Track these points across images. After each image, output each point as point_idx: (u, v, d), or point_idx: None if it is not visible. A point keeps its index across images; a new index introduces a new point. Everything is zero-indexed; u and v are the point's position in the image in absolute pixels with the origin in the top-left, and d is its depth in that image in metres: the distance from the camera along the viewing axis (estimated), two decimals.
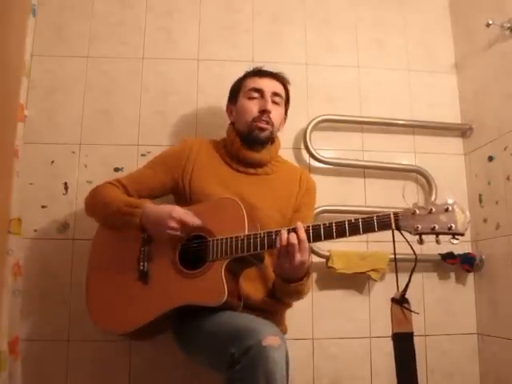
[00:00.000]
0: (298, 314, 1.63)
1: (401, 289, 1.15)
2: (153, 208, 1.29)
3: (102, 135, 1.81)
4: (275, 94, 1.49)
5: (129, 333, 1.31)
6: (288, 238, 1.16)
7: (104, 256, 1.40)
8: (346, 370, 1.75)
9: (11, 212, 1.52)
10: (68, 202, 1.74)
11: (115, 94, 1.84)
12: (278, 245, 1.17)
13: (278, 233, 1.21)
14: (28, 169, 1.71)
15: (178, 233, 1.26)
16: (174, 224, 1.24)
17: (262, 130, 1.45)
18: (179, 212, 1.26)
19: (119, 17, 1.91)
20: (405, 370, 1.13)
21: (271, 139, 1.51)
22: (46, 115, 1.80)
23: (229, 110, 1.57)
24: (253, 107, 1.46)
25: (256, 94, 1.48)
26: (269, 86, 1.49)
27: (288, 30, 1.98)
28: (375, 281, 1.78)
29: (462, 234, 1.08)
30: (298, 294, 1.33)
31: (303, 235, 1.17)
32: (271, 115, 1.46)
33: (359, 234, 1.15)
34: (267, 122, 1.46)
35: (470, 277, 1.87)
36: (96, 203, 1.40)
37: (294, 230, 1.18)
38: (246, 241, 1.22)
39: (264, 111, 1.45)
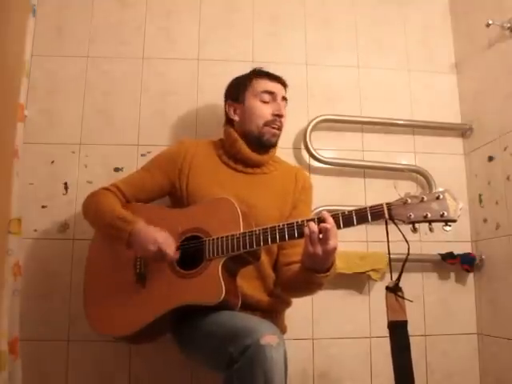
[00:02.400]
0: (298, 314, 1.63)
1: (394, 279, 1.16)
2: (143, 228, 1.27)
3: (102, 135, 1.81)
4: (284, 99, 1.51)
5: (128, 336, 1.31)
6: (320, 225, 1.15)
7: (101, 260, 1.40)
8: (346, 370, 1.75)
9: (11, 212, 1.52)
10: (68, 202, 1.74)
11: (115, 94, 1.85)
12: (307, 231, 1.16)
13: (273, 229, 1.21)
14: (28, 169, 1.71)
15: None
16: (153, 247, 1.23)
17: (274, 135, 1.47)
18: (163, 241, 1.25)
19: (119, 17, 1.91)
20: (400, 359, 1.13)
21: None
22: (46, 115, 1.80)
23: (232, 109, 1.52)
24: (266, 110, 1.46)
25: (268, 98, 1.48)
26: (280, 90, 1.50)
27: (288, 30, 1.98)
28: (375, 281, 1.78)
29: (455, 221, 1.09)
30: (319, 287, 1.30)
31: (333, 221, 1.15)
32: (282, 119, 1.48)
33: (353, 225, 1.16)
34: (278, 127, 1.47)
35: (470, 277, 1.87)
36: (92, 212, 1.40)
37: (320, 220, 1.16)
38: (241, 239, 1.22)
39: (279, 115, 1.46)
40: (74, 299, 1.66)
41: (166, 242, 1.25)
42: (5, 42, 1.53)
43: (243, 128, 1.49)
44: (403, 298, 1.14)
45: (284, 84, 1.53)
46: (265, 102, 1.47)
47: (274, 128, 1.46)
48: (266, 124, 1.46)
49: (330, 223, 1.15)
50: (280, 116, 1.46)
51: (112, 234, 1.31)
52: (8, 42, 1.55)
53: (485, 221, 1.83)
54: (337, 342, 1.76)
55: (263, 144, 1.47)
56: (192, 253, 1.28)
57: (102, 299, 1.35)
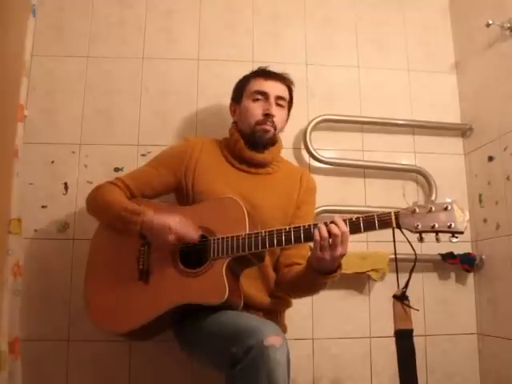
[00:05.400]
0: (298, 314, 1.63)
1: (401, 287, 1.17)
2: (153, 217, 1.27)
3: (102, 135, 1.81)
4: (279, 98, 1.49)
5: (129, 332, 1.31)
6: (330, 230, 1.15)
7: (103, 256, 1.40)
8: (346, 370, 1.75)
9: (11, 212, 1.52)
10: (68, 202, 1.74)
11: (115, 94, 1.84)
12: (317, 237, 1.16)
13: (279, 232, 1.21)
14: (28, 169, 1.71)
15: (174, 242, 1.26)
16: (171, 237, 1.24)
17: (266, 131, 1.46)
18: (178, 226, 1.25)
19: (119, 17, 1.91)
20: (405, 367, 1.14)
21: (274, 141, 1.51)
22: (45, 115, 1.80)
23: (232, 109, 1.56)
24: (257, 110, 1.46)
25: (260, 97, 1.47)
26: (273, 89, 1.48)
27: (288, 29, 1.98)
28: (375, 281, 1.78)
29: (462, 233, 1.09)
30: (322, 287, 1.31)
31: (344, 227, 1.15)
32: (275, 119, 1.46)
33: (360, 232, 1.16)
34: (271, 125, 1.46)
35: (470, 277, 1.87)
36: (97, 205, 1.40)
37: (333, 223, 1.16)
38: (246, 240, 1.22)
39: (268, 115, 1.45)
40: (73, 299, 1.66)
41: (181, 226, 1.26)
42: (5, 42, 1.53)
43: (240, 127, 1.50)
44: (410, 306, 1.15)
45: (283, 81, 1.51)
46: (257, 101, 1.47)
47: (265, 125, 1.45)
48: (258, 123, 1.46)
49: (340, 229, 1.15)
50: (269, 116, 1.45)
51: (120, 226, 1.30)
52: (8, 42, 1.55)
53: (485, 221, 1.83)
54: (337, 342, 1.76)
55: (257, 141, 1.46)
56: (196, 251, 1.27)
57: (103, 295, 1.35)
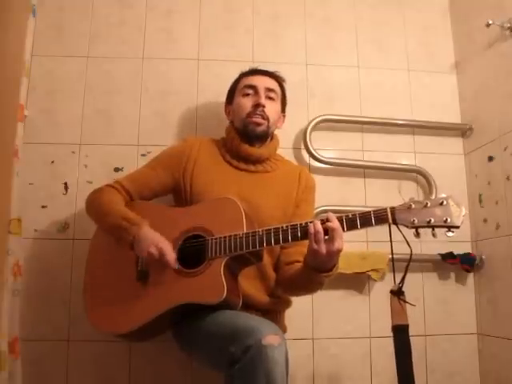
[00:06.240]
0: (298, 314, 1.63)
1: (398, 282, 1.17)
2: (147, 231, 1.26)
3: (102, 135, 1.81)
4: (269, 90, 1.51)
5: (128, 333, 1.31)
6: (325, 224, 1.16)
7: (102, 258, 1.40)
8: (346, 370, 1.75)
9: (11, 212, 1.52)
10: (68, 202, 1.74)
11: (115, 94, 1.85)
12: (311, 230, 1.16)
13: (277, 230, 1.21)
14: (28, 169, 1.71)
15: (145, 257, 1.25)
16: (153, 250, 1.22)
17: (258, 124, 1.46)
18: (165, 247, 1.24)
19: (119, 17, 1.91)
20: (401, 362, 1.14)
21: (269, 135, 1.51)
22: (45, 115, 1.80)
23: (226, 111, 1.59)
24: (247, 103, 1.48)
25: (250, 91, 1.50)
26: (262, 82, 1.51)
27: (288, 29, 1.98)
28: (375, 281, 1.78)
29: (458, 227, 1.09)
30: (320, 286, 1.32)
31: (337, 223, 1.16)
32: (266, 110, 1.47)
33: (357, 228, 1.17)
34: (262, 117, 1.47)
35: (470, 277, 1.87)
36: (95, 210, 1.39)
37: (327, 220, 1.17)
38: (244, 239, 1.22)
39: (258, 105, 1.46)
40: (73, 299, 1.66)
41: (166, 244, 1.25)
42: (5, 42, 1.54)
43: (235, 125, 1.52)
44: (405, 301, 1.15)
45: (271, 76, 1.54)
46: (247, 96, 1.49)
47: (255, 117, 1.46)
48: (248, 115, 1.47)
49: (335, 224, 1.16)
50: (259, 105, 1.46)
51: (116, 234, 1.30)
52: (8, 42, 1.56)
53: (485, 221, 1.83)
54: (337, 342, 1.76)
55: (250, 135, 1.47)
56: (194, 252, 1.27)
57: (102, 296, 1.35)
